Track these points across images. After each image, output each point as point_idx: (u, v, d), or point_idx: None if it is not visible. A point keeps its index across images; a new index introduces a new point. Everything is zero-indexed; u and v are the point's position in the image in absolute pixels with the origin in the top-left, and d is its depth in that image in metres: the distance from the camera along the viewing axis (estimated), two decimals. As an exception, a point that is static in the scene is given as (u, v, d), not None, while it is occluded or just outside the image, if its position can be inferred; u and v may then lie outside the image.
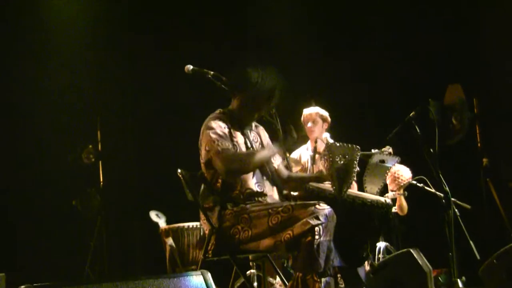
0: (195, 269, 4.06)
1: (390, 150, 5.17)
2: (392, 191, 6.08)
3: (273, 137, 4.39)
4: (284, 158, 4.42)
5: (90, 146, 7.34)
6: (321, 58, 8.00)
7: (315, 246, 3.60)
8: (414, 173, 6.05)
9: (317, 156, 6.01)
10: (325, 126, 6.26)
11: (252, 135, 4.27)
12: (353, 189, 5.35)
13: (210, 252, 4.05)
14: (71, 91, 7.86)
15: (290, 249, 3.76)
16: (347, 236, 3.85)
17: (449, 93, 5.05)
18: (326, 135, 6.19)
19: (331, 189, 3.92)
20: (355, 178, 4.03)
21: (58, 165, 7.50)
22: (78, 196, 7.38)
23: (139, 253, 8.07)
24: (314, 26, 8.14)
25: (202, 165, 4.15)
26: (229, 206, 4.01)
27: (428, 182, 5.82)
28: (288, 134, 4.11)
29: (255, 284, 5.43)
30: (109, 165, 7.53)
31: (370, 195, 4.20)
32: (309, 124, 6.25)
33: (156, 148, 7.99)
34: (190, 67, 4.28)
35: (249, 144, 4.17)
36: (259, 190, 4.08)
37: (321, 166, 5.67)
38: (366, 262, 5.24)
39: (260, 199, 4.07)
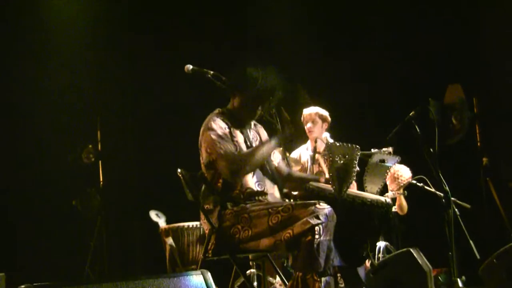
0: (195, 269, 4.06)
1: (390, 150, 5.17)
2: (392, 190, 6.08)
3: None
4: (284, 157, 4.43)
5: (90, 146, 7.34)
6: (321, 58, 8.00)
7: (315, 245, 3.60)
8: (414, 173, 6.05)
9: (317, 156, 6.00)
10: (325, 126, 6.26)
11: (252, 134, 4.28)
12: (353, 189, 5.35)
13: (210, 251, 4.05)
14: (71, 91, 7.86)
15: (290, 248, 3.76)
16: (347, 235, 3.85)
17: (449, 93, 5.05)
18: (326, 135, 6.19)
19: (331, 188, 3.92)
20: (355, 178, 4.03)
21: (58, 165, 7.49)
22: (78, 196, 7.38)
23: (139, 253, 8.07)
24: (314, 26, 8.14)
25: (202, 165, 4.16)
26: (229, 206, 4.02)
27: (428, 182, 5.83)
28: (285, 125, 4.12)
29: (255, 283, 5.43)
30: (109, 165, 7.52)
31: (370, 195, 4.19)
32: (309, 125, 6.24)
33: (156, 148, 7.99)
34: (190, 66, 4.28)
35: (248, 143, 4.18)
36: (259, 189, 4.08)
37: (323, 166, 5.69)
38: (366, 262, 5.23)
39: (260, 198, 4.07)
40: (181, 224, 5.96)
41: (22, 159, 7.62)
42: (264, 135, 4.41)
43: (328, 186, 3.98)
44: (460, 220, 5.00)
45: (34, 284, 2.94)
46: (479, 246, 5.15)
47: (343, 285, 4.25)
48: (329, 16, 8.13)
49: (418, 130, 4.50)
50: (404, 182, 6.02)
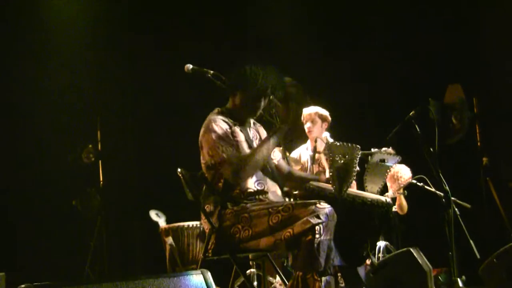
0: (195, 268, 4.06)
1: (390, 149, 5.16)
2: (392, 190, 6.08)
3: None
4: (284, 156, 4.43)
5: (90, 146, 7.34)
6: (321, 58, 8.01)
7: (315, 245, 3.60)
8: (414, 172, 6.05)
9: (317, 155, 6.00)
10: (325, 125, 6.26)
11: (252, 133, 4.28)
12: (353, 188, 5.35)
13: (210, 251, 4.05)
14: (71, 91, 7.86)
15: (290, 247, 3.76)
16: (347, 235, 3.84)
17: (449, 92, 5.04)
18: (326, 135, 6.18)
19: (331, 188, 3.92)
20: (355, 177, 4.03)
21: (58, 165, 7.49)
22: (78, 196, 7.37)
23: (139, 252, 8.07)
24: (314, 26, 8.14)
25: (203, 166, 4.15)
26: (229, 206, 4.01)
27: (428, 181, 5.82)
28: (283, 120, 4.11)
29: (255, 283, 5.43)
30: (109, 165, 7.53)
31: (370, 194, 4.19)
32: (308, 124, 6.25)
33: (156, 148, 7.99)
34: (190, 66, 4.29)
35: (249, 142, 4.17)
36: (259, 188, 4.08)
37: (325, 164, 5.69)
38: (366, 261, 5.23)
39: (261, 197, 4.07)
40: (181, 223, 5.96)
41: (22, 159, 7.62)
42: (264, 134, 4.41)
43: (329, 186, 3.98)
44: (460, 219, 5.00)
45: (34, 283, 2.94)
46: (479, 245, 5.15)
47: (343, 285, 4.24)
48: (329, 16, 8.13)
49: (418, 130, 4.49)
50: (404, 182, 6.01)
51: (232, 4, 8.11)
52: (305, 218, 3.66)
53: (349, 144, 3.91)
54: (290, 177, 4.39)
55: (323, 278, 3.64)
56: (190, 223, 5.93)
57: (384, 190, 5.28)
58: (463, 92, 5.22)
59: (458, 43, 7.55)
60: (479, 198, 6.58)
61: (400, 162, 4.98)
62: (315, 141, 6.15)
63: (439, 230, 4.47)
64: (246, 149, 4.10)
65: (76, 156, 7.35)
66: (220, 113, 4.19)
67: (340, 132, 6.25)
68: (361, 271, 4.98)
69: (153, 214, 6.18)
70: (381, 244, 6.23)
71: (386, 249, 6.23)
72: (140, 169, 8.09)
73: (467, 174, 6.96)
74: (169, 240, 5.89)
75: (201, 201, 4.15)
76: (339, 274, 4.18)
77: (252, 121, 4.35)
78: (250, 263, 5.47)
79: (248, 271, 5.49)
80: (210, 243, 4.06)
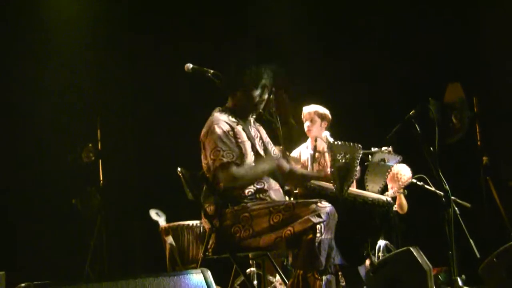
0: (195, 268, 4.06)
1: (390, 149, 5.16)
2: (392, 189, 6.08)
3: (272, 135, 4.41)
4: (285, 156, 4.43)
5: (90, 145, 7.32)
6: (321, 58, 8.01)
7: (316, 244, 3.61)
8: (414, 172, 6.05)
9: (317, 154, 6.01)
10: (324, 124, 6.26)
11: (253, 131, 4.28)
12: (352, 188, 5.36)
13: (210, 250, 4.05)
14: (71, 91, 7.85)
15: (291, 246, 3.77)
16: (348, 234, 3.85)
17: (449, 92, 5.05)
18: (326, 134, 6.17)
19: (332, 187, 3.92)
20: (356, 177, 4.03)
21: (58, 165, 7.48)
22: (78, 195, 7.37)
23: (139, 252, 8.07)
24: (314, 26, 8.14)
25: (204, 165, 4.16)
26: (230, 205, 4.02)
27: (428, 181, 5.83)
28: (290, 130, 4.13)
29: (255, 282, 5.44)
30: (109, 165, 7.52)
31: (371, 194, 4.20)
32: (307, 123, 6.25)
33: (156, 147, 7.99)
34: (190, 65, 4.29)
35: (252, 140, 4.17)
36: (259, 187, 4.08)
37: (328, 161, 5.69)
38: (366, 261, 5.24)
39: (261, 195, 4.07)
40: (181, 222, 5.97)
41: (22, 159, 7.61)
42: (264, 133, 4.42)
43: (330, 185, 3.98)
44: (460, 219, 4.99)
45: (34, 282, 2.94)
46: (479, 245, 5.14)
47: (344, 284, 4.25)
48: (329, 16, 8.13)
49: (418, 129, 4.49)
50: (404, 181, 6.01)
51: (232, 4, 8.10)
52: (306, 217, 3.67)
53: (351, 144, 3.92)
54: (292, 175, 4.39)
55: (324, 277, 3.65)
56: (190, 222, 5.93)
57: (384, 189, 5.28)
58: (463, 91, 5.22)
59: (458, 43, 7.55)
60: (479, 197, 6.57)
61: (400, 162, 4.98)
62: (315, 140, 6.15)
63: (439, 229, 4.47)
64: (249, 149, 4.12)
65: (76, 156, 7.34)
66: (223, 111, 4.19)
67: (340, 132, 6.25)
68: (362, 270, 4.98)
69: (153, 213, 6.18)
70: (381, 243, 6.24)
71: (386, 248, 6.23)
72: (140, 168, 8.09)
73: (467, 173, 6.96)
74: (169, 239, 5.89)
75: (201, 200, 4.16)
76: (339, 273, 4.18)
77: (252, 120, 4.36)
78: (250, 262, 5.47)
79: (248, 270, 5.50)
80: (210, 243, 4.06)
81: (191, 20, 8.14)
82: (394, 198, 6.08)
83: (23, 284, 2.91)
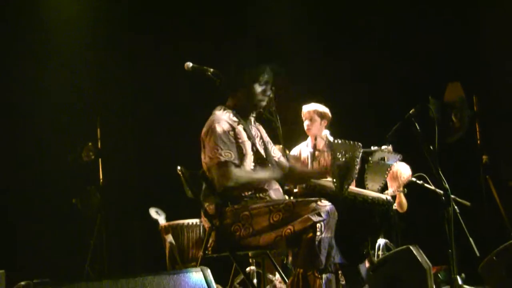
0: (195, 266, 4.07)
1: (390, 148, 5.16)
2: (391, 188, 6.08)
3: (272, 135, 4.42)
4: (284, 154, 4.43)
5: (90, 144, 7.32)
6: (321, 58, 8.01)
7: (316, 242, 3.62)
8: (414, 170, 6.04)
9: (317, 153, 6.01)
10: (324, 123, 6.26)
11: (253, 131, 4.28)
12: (352, 186, 5.36)
13: (210, 249, 4.05)
14: (71, 91, 7.85)
15: (291, 245, 3.77)
16: (348, 233, 3.85)
17: (449, 91, 5.05)
18: (326, 132, 6.18)
19: (332, 186, 3.92)
20: (356, 175, 4.03)
21: (58, 165, 7.49)
22: (78, 194, 7.37)
23: (139, 251, 8.06)
24: (314, 26, 8.14)
25: (204, 164, 4.16)
26: (230, 204, 4.02)
27: (428, 179, 5.82)
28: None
29: (255, 280, 5.44)
30: (109, 164, 7.52)
31: (371, 192, 4.20)
32: (306, 122, 6.26)
33: (156, 147, 7.99)
34: (190, 64, 4.30)
35: (252, 140, 4.17)
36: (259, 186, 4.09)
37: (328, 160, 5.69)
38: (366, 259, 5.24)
39: (261, 194, 4.07)
40: (181, 221, 5.97)
41: (22, 159, 7.61)
42: (264, 132, 4.42)
43: (330, 184, 3.98)
44: (460, 217, 4.98)
45: (34, 281, 2.94)
46: (479, 243, 5.14)
47: (344, 282, 4.25)
48: (329, 16, 8.13)
49: (418, 128, 4.49)
50: (404, 180, 6.01)
51: (232, 4, 8.10)
52: (306, 216, 3.68)
53: (351, 142, 3.91)
54: (292, 173, 4.39)
55: (324, 276, 3.65)
56: (190, 221, 5.94)
57: (384, 188, 5.28)
58: (463, 91, 5.23)
59: (458, 43, 7.54)
60: (479, 196, 6.56)
61: (400, 160, 4.98)
62: (315, 139, 6.16)
63: (438, 228, 4.46)
64: (249, 149, 4.12)
65: (76, 155, 7.34)
66: (224, 110, 4.19)
67: (340, 132, 6.25)
68: (363, 268, 4.98)
69: (153, 212, 6.19)
70: (380, 242, 6.23)
71: (386, 247, 6.23)
72: (140, 167, 8.09)
73: (467, 172, 6.95)
74: (169, 238, 5.90)
75: (201, 199, 4.16)
76: (339, 272, 4.18)
77: (253, 119, 4.36)
78: (250, 260, 5.48)
79: (248, 269, 5.50)
80: (210, 241, 4.06)
81: (191, 20, 8.14)
82: (394, 197, 6.07)
83: (23, 283, 2.91)
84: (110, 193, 7.49)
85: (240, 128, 4.14)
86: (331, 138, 5.69)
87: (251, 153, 4.12)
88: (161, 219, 6.15)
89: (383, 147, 4.92)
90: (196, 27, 8.08)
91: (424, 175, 5.83)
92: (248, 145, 4.12)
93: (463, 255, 4.86)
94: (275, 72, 4.20)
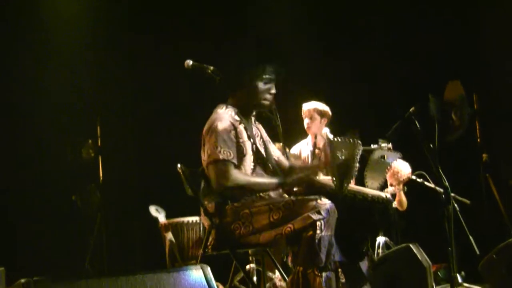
0: (195, 264, 4.07)
1: (390, 145, 5.17)
2: (391, 186, 6.08)
3: (271, 134, 4.42)
4: (284, 152, 4.44)
5: (90, 141, 7.32)
6: (321, 58, 8.01)
7: (316, 240, 3.62)
8: (414, 168, 6.05)
9: (317, 151, 6.01)
10: (324, 121, 6.26)
11: (254, 130, 4.28)
12: (351, 184, 5.36)
13: (209, 246, 4.05)
14: (71, 91, 7.84)
15: (290, 243, 3.78)
16: (348, 231, 3.85)
17: (449, 89, 5.05)
18: (326, 131, 6.18)
19: (332, 184, 3.92)
20: (356, 173, 4.03)
21: (58, 164, 7.49)
22: (78, 192, 7.36)
23: (138, 249, 8.06)
24: (314, 26, 8.14)
25: (204, 162, 4.15)
26: (230, 202, 4.02)
27: (428, 177, 5.83)
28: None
29: (255, 278, 5.44)
30: (109, 163, 7.51)
31: (371, 190, 4.20)
32: (306, 121, 6.26)
33: (155, 147, 7.98)
34: (190, 62, 4.31)
35: (252, 140, 4.16)
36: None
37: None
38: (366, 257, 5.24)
39: (261, 193, 4.07)
40: (181, 219, 5.98)
41: (22, 159, 7.60)
42: (264, 132, 4.42)
43: (329, 182, 3.98)
44: (459, 215, 5.01)
45: (34, 278, 2.94)
46: (479, 241, 5.16)
47: (344, 281, 4.25)
48: (329, 16, 8.13)
49: (418, 126, 4.50)
50: (404, 178, 6.02)
51: (232, 4, 8.10)
52: (306, 214, 3.68)
53: (351, 140, 3.91)
54: (291, 172, 4.38)
55: (324, 274, 3.65)
56: (190, 219, 5.95)
57: (383, 186, 5.29)
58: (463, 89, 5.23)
59: (458, 43, 7.54)
60: (479, 194, 6.55)
61: (400, 158, 5.00)
62: (315, 137, 6.16)
63: (438, 226, 4.48)
64: (249, 149, 4.11)
65: (76, 155, 7.34)
66: (226, 108, 4.18)
67: (340, 132, 6.24)
68: (364, 266, 4.98)
69: (152, 210, 6.19)
70: (380, 240, 6.23)
71: (386, 245, 6.23)
72: (140, 166, 8.08)
73: (467, 170, 6.94)
74: (169, 235, 5.90)
75: (201, 197, 4.16)
76: (339, 270, 4.18)
77: (253, 119, 4.36)
78: (250, 258, 5.47)
79: (247, 267, 5.50)
80: (209, 239, 4.07)
81: (191, 20, 8.14)
82: (393, 195, 6.07)
83: (22, 280, 2.92)
84: (110, 192, 7.49)
85: (241, 127, 4.14)
86: (331, 136, 5.69)
87: (251, 153, 4.12)
88: (161, 217, 6.15)
89: (383, 145, 4.93)
90: (196, 27, 8.08)
91: (424, 173, 5.84)
92: (248, 145, 4.12)
93: (463, 253, 4.88)
94: (275, 72, 4.20)
